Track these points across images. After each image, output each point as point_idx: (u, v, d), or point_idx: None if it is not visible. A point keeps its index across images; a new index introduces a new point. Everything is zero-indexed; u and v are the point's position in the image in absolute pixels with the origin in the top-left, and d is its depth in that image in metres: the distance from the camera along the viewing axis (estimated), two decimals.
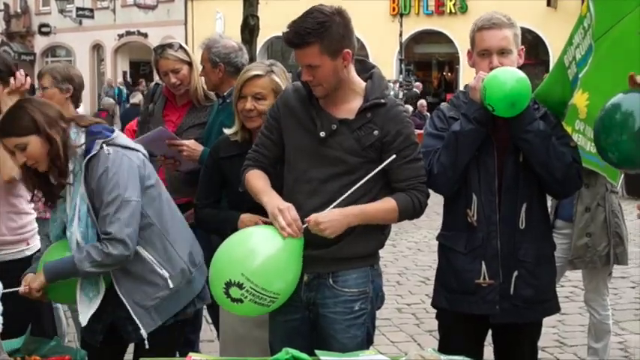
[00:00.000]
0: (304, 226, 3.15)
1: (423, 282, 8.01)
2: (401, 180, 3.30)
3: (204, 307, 4.49)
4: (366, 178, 3.20)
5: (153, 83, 5.46)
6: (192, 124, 4.84)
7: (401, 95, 25.28)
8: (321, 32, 3.13)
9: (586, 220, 5.14)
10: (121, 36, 36.86)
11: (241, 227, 3.54)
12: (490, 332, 3.72)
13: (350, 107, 3.30)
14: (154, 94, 5.11)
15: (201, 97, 4.89)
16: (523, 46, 3.63)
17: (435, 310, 3.79)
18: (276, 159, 3.46)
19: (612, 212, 5.16)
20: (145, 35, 35.34)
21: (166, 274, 3.47)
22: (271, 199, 3.26)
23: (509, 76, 3.32)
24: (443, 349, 3.39)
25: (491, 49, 3.50)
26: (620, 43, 3.31)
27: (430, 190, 3.42)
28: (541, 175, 3.46)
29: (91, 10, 36.82)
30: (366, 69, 3.42)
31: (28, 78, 4.34)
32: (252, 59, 5.84)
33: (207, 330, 5.63)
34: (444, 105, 3.80)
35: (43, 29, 38.42)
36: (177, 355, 3.84)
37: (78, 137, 3.43)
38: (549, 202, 3.87)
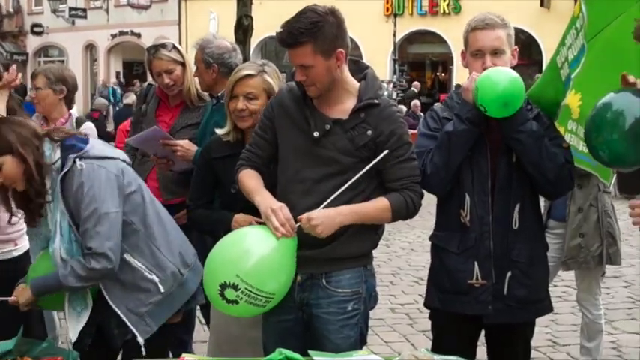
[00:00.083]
0: (297, 225, 3.15)
1: (416, 282, 8.02)
2: (394, 180, 3.30)
3: (198, 307, 4.50)
4: (359, 175, 3.20)
5: (146, 84, 5.45)
6: (185, 125, 4.83)
7: (395, 95, 25.30)
8: (314, 32, 3.14)
9: (579, 221, 5.16)
10: (114, 36, 36.80)
11: (235, 227, 3.54)
12: (483, 332, 3.72)
13: (344, 107, 3.30)
14: (147, 95, 5.10)
15: (195, 98, 4.88)
16: (516, 47, 3.63)
17: (429, 310, 3.80)
18: (270, 159, 3.45)
19: (605, 212, 5.17)
20: (139, 35, 35.29)
21: (156, 279, 3.47)
22: (264, 199, 3.26)
23: (501, 76, 3.32)
24: (436, 349, 3.39)
25: (484, 49, 3.51)
26: (613, 43, 3.33)
27: (423, 190, 3.42)
28: (533, 175, 3.47)
29: (84, 10, 36.73)
30: (360, 69, 3.43)
31: (20, 74, 4.34)
32: (245, 59, 5.83)
33: (200, 330, 5.62)
34: (437, 105, 3.81)
35: (36, 29, 38.32)
36: (171, 355, 3.85)
37: (53, 153, 3.40)
38: (542, 202, 3.88)
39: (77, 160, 3.36)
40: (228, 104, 3.73)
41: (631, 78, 2.96)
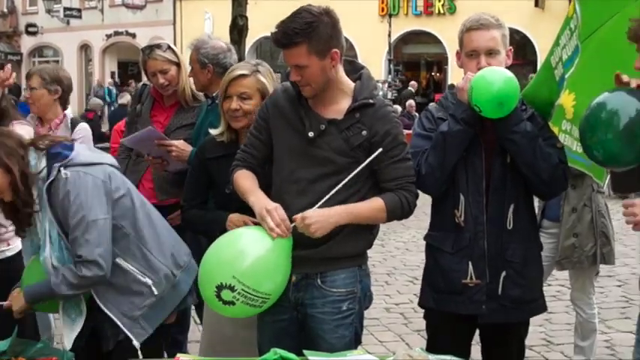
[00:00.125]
0: (292, 225, 3.15)
1: (411, 281, 8.02)
2: (389, 180, 3.30)
3: (193, 307, 4.50)
4: (353, 173, 3.20)
5: (140, 84, 5.45)
6: (180, 125, 4.83)
7: (390, 95, 25.32)
8: (309, 32, 3.14)
9: (573, 221, 5.17)
10: (109, 36, 36.77)
11: (229, 227, 3.54)
12: (478, 331, 3.73)
13: (339, 107, 3.30)
14: (142, 95, 5.10)
15: (189, 98, 4.88)
16: (511, 47, 3.64)
17: (423, 310, 3.80)
18: (265, 159, 3.45)
19: (599, 212, 5.19)
20: (134, 35, 35.26)
21: (149, 282, 3.46)
22: (258, 199, 3.26)
23: (496, 76, 3.32)
24: (431, 348, 3.40)
25: (479, 49, 3.52)
26: (607, 44, 3.35)
27: (418, 191, 3.43)
28: (527, 176, 3.48)
29: (79, 10, 36.70)
30: (355, 69, 3.43)
31: (14, 74, 4.33)
32: (240, 59, 5.84)
33: (195, 331, 5.62)
34: (432, 105, 3.81)
35: (30, 29, 38.28)
36: (166, 355, 3.85)
37: (38, 162, 3.39)
38: (536, 202, 3.90)
39: (62, 168, 3.34)
40: (222, 104, 3.73)
41: (625, 77, 2.97)
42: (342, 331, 3.34)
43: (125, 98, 17.96)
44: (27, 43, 39.18)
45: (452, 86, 3.61)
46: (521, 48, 27.36)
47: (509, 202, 3.51)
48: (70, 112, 5.14)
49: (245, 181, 3.39)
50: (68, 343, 3.46)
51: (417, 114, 18.63)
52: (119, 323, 3.43)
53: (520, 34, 27.23)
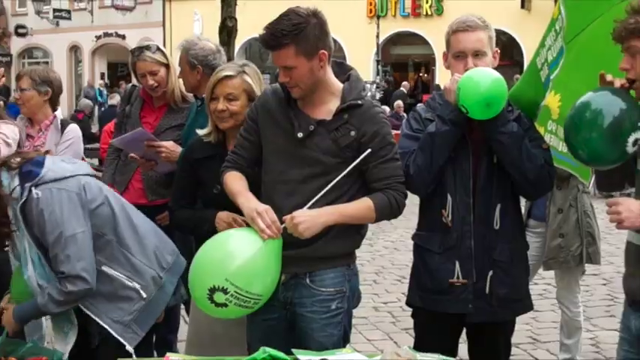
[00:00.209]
0: (282, 226, 3.15)
1: (399, 280, 8.01)
2: (378, 180, 3.31)
3: (182, 307, 4.51)
4: (343, 174, 3.21)
5: (130, 85, 5.45)
6: (169, 126, 4.84)
7: (378, 96, 25.32)
8: (297, 34, 3.15)
9: (559, 222, 5.21)
10: (98, 37, 36.65)
11: (218, 224, 3.55)
12: (465, 330, 3.74)
13: (327, 108, 3.32)
14: (131, 96, 5.10)
15: (179, 99, 4.89)
16: (498, 48, 3.66)
17: (411, 309, 3.82)
18: (256, 160, 3.46)
19: (584, 213, 5.23)
20: (123, 37, 35.16)
21: (137, 286, 3.48)
22: (248, 201, 3.26)
23: (484, 77, 3.34)
24: (418, 346, 3.39)
25: (466, 51, 3.53)
26: (592, 45, 3.37)
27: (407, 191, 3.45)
28: (513, 176, 3.50)
29: (69, 12, 36.55)
30: (343, 71, 3.44)
31: (4, 78, 4.34)
32: (230, 61, 5.86)
33: (184, 330, 5.60)
34: (420, 106, 3.83)
35: (20, 30, 38.11)
36: (155, 355, 3.86)
37: (11, 181, 3.38)
38: (523, 201, 3.93)
39: (33, 188, 3.32)
40: (209, 105, 3.73)
41: (609, 77, 2.99)
42: (330, 329, 3.35)
43: (115, 99, 17.93)
44: (16, 44, 38.99)
45: (438, 87, 3.63)
46: (508, 49, 27.40)
47: (496, 202, 3.53)
48: (60, 113, 5.14)
49: (234, 182, 3.40)
50: (64, 356, 3.46)
51: (405, 114, 18.65)
52: (110, 330, 3.44)
53: (506, 35, 27.27)
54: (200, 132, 3.86)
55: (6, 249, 3.58)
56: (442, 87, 3.64)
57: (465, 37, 3.54)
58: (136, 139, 4.61)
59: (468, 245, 3.52)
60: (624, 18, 2.91)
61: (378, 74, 30.09)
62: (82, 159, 5.14)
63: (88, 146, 7.70)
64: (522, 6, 28.06)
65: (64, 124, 4.99)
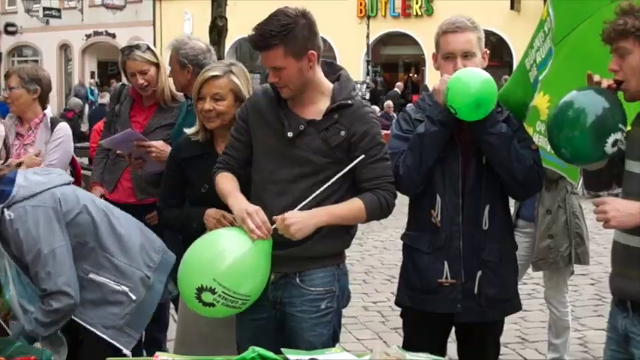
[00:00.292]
0: (273, 227, 3.15)
1: (388, 280, 8.03)
2: (367, 180, 3.32)
3: (172, 306, 4.51)
4: (335, 177, 3.21)
5: (119, 84, 5.45)
6: (159, 125, 4.84)
7: (368, 96, 25.35)
8: (285, 35, 3.16)
9: (548, 222, 5.23)
10: (88, 36, 36.54)
11: (207, 221, 3.56)
12: (454, 329, 3.75)
13: (317, 108, 3.32)
14: (120, 95, 5.10)
15: (168, 98, 4.89)
16: (487, 49, 3.67)
17: (400, 308, 3.83)
18: (247, 160, 3.46)
19: (573, 214, 5.26)
20: (113, 36, 35.07)
21: (126, 289, 3.48)
22: (238, 201, 3.27)
23: (472, 78, 3.34)
24: (407, 346, 3.40)
25: (455, 52, 3.54)
26: (580, 46, 3.38)
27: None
28: (502, 176, 3.51)
29: (59, 10, 36.41)
30: (333, 71, 3.45)
31: None
32: (220, 60, 5.86)
33: (174, 329, 5.61)
34: (409, 107, 3.83)
35: (10, 29, 37.94)
36: (145, 354, 3.86)
37: None
38: (512, 202, 3.94)
39: (5, 209, 3.31)
40: (196, 105, 3.74)
41: (596, 77, 3.01)
42: (320, 329, 3.35)
43: (106, 98, 17.90)
44: (6, 42, 38.82)
45: (426, 87, 3.64)
46: (497, 50, 27.46)
47: (485, 203, 3.54)
48: (50, 111, 5.13)
49: (225, 183, 3.41)
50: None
51: (395, 114, 18.69)
52: (105, 337, 3.43)
53: (496, 36, 27.32)
54: (188, 131, 3.87)
55: None
56: (431, 88, 3.66)
57: (454, 39, 3.55)
58: (125, 139, 4.61)
59: (457, 245, 3.53)
60: (613, 19, 2.92)
61: (368, 74, 30.11)
62: (73, 158, 5.14)
63: (77, 145, 7.68)
64: (512, 7, 28.10)
65: (53, 123, 4.99)
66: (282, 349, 2.97)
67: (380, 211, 3.35)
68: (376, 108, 17.52)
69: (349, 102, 3.31)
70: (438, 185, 3.54)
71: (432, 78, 23.35)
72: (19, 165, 3.97)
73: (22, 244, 3.29)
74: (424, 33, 26.65)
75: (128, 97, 5.03)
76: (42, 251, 3.28)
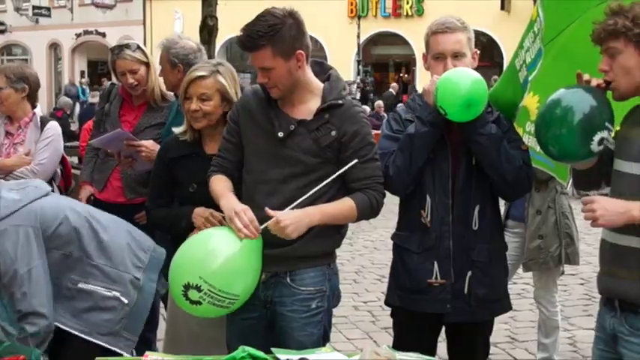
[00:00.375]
0: (262, 227, 3.14)
1: (379, 280, 8.05)
2: (358, 180, 3.32)
3: (162, 305, 4.51)
4: (328, 180, 3.22)
5: (109, 83, 5.45)
6: (149, 125, 4.83)
7: (358, 96, 25.39)
8: (273, 35, 3.16)
9: (537, 223, 5.24)
10: (78, 35, 36.49)
11: (195, 220, 3.56)
12: (444, 329, 3.75)
13: (308, 108, 3.32)
14: (110, 94, 5.09)
15: (158, 98, 4.88)
16: (477, 49, 3.68)
17: (390, 308, 3.83)
18: (240, 162, 3.46)
19: (563, 214, 5.27)
20: (103, 35, 35.04)
21: (117, 294, 3.46)
22: (228, 201, 3.27)
23: (462, 79, 3.34)
24: (397, 345, 3.41)
25: (445, 52, 3.55)
26: (569, 47, 3.39)
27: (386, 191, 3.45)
28: (492, 177, 3.51)
29: (48, 9, 36.38)
30: (323, 70, 3.45)
31: None
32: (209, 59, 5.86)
33: (163, 328, 5.60)
34: (400, 107, 3.84)
35: None
36: (134, 353, 3.85)
37: None
38: (501, 202, 3.95)
39: None
40: (183, 104, 3.74)
41: (586, 76, 3.02)
42: (310, 329, 3.35)
43: (97, 97, 17.88)
44: None
45: (414, 88, 3.64)
46: (488, 50, 27.55)
47: (475, 203, 3.54)
48: (40, 110, 5.12)
49: (218, 185, 3.41)
50: None
51: (385, 114, 18.72)
52: (103, 344, 3.41)
53: (486, 37, 27.43)
54: (176, 130, 3.87)
55: None
56: (421, 89, 3.66)
57: (444, 39, 3.56)
58: (115, 139, 4.60)
59: (447, 246, 3.53)
60: (603, 20, 2.94)
61: (359, 74, 30.15)
62: (63, 156, 5.13)
63: (67, 144, 7.67)
64: (502, 7, 28.21)
65: (43, 122, 4.99)
66: (273, 349, 2.97)
67: (370, 210, 3.35)
68: (367, 108, 17.55)
69: (340, 102, 3.31)
70: (428, 185, 3.55)
71: (423, 78, 23.38)
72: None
73: (0, 265, 3.26)
74: (415, 33, 26.70)
75: (118, 97, 5.02)
76: (18, 271, 3.25)
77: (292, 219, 3.14)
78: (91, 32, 35.92)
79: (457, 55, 3.55)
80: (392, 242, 3.79)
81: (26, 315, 3.25)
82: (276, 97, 3.33)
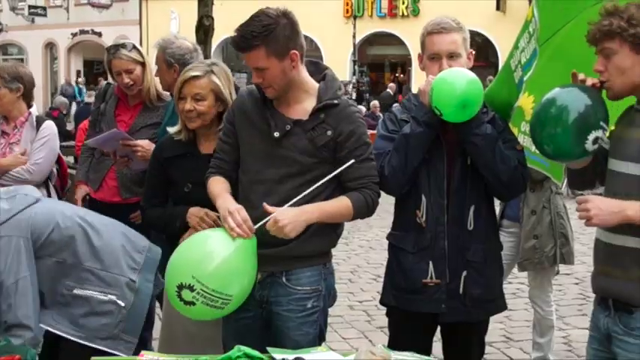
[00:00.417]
0: (257, 226, 3.14)
1: (374, 279, 8.05)
2: (353, 179, 3.33)
3: (157, 304, 4.51)
4: (324, 179, 3.22)
5: (104, 82, 5.44)
6: (144, 124, 4.84)
7: (354, 96, 25.41)
8: (266, 35, 3.16)
9: (533, 223, 5.25)
10: (74, 35, 36.44)
11: (190, 219, 3.57)
12: (439, 328, 3.76)
13: (303, 108, 3.33)
14: (106, 94, 5.10)
15: (154, 98, 4.89)
16: (472, 50, 3.68)
17: (386, 308, 3.84)
18: (238, 162, 3.46)
19: (557, 214, 5.28)
20: (99, 34, 35.01)
21: (113, 297, 3.45)
22: (224, 201, 3.26)
23: (457, 79, 3.34)
24: (393, 345, 3.43)
25: (440, 53, 3.55)
26: (564, 47, 3.40)
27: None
28: (487, 177, 3.52)
29: (44, 9, 36.33)
30: (319, 70, 3.46)
31: None
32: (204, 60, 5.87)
33: (159, 327, 5.60)
34: (395, 107, 3.85)
35: None
36: (130, 353, 3.85)
37: None
38: (497, 202, 3.96)
39: None
40: (177, 104, 3.75)
41: (581, 75, 3.03)
42: (306, 328, 3.36)
43: (93, 97, 17.86)
44: None
45: (408, 89, 3.64)
46: (483, 50, 27.58)
47: (470, 203, 3.55)
48: (35, 109, 5.12)
49: (215, 186, 3.41)
50: None
51: (381, 114, 18.73)
52: (105, 349, 3.40)
53: (481, 37, 27.44)
54: (171, 130, 3.87)
55: None
56: (416, 89, 3.66)
57: (439, 39, 3.56)
58: (111, 138, 4.60)
59: (442, 246, 3.54)
60: (598, 20, 2.95)
61: (354, 74, 30.16)
62: (59, 156, 5.13)
63: (63, 144, 7.67)
64: (497, 8, 28.23)
65: (39, 121, 4.98)
66: (268, 348, 2.97)
67: (366, 209, 3.36)
68: (362, 108, 17.56)
69: (335, 101, 3.32)
70: (423, 186, 3.55)
71: (418, 78, 23.39)
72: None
73: None
74: (410, 33, 26.71)
75: (113, 96, 5.03)
76: (5, 283, 3.23)
77: (290, 218, 3.14)
78: (87, 32, 35.89)
79: (452, 56, 3.55)
80: (387, 242, 3.79)
81: (11, 327, 3.23)
82: (272, 97, 3.33)
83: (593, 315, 3.19)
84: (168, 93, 4.85)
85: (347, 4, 31.23)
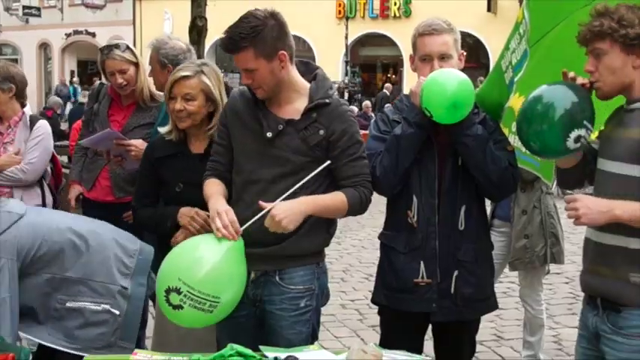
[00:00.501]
0: (244, 227, 3.13)
1: (366, 278, 8.05)
2: (347, 177, 3.34)
3: (151, 303, 4.52)
4: (312, 174, 3.22)
5: (98, 82, 5.45)
6: (137, 125, 4.84)
7: (347, 96, 25.41)
8: (254, 36, 3.18)
9: (523, 223, 5.26)
10: (68, 35, 36.37)
11: (181, 219, 3.58)
12: (430, 327, 3.77)
13: (295, 108, 3.34)
14: (99, 94, 5.10)
15: (147, 98, 4.89)
16: (463, 51, 3.70)
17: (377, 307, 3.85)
18: (232, 163, 3.47)
19: (548, 213, 5.30)
20: (93, 35, 34.96)
21: (106, 307, 3.44)
22: (215, 202, 3.27)
23: (448, 80, 3.35)
24: (384, 343, 3.45)
25: (432, 54, 3.56)
26: (555, 48, 3.41)
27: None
28: (477, 178, 3.53)
29: (38, 9, 36.25)
30: (310, 70, 3.47)
31: None
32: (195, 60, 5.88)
33: (152, 325, 5.61)
34: (387, 107, 3.86)
35: None
36: None
37: None
38: (487, 202, 3.98)
39: None
40: (168, 104, 3.76)
41: (571, 74, 3.03)
42: (299, 327, 3.37)
43: (87, 97, 17.82)
44: None
45: (398, 90, 3.64)
46: (474, 51, 27.62)
47: (461, 204, 3.56)
48: (29, 109, 5.12)
49: (210, 188, 3.42)
50: None
51: (373, 115, 18.75)
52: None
53: (472, 38, 27.48)
54: (161, 130, 3.88)
55: None
56: (407, 90, 3.67)
57: (430, 41, 3.58)
58: (104, 138, 4.62)
59: (433, 246, 3.55)
60: (589, 21, 2.97)
61: (346, 75, 30.16)
62: (53, 155, 5.14)
63: (57, 144, 7.67)
64: (488, 9, 28.27)
65: (33, 121, 4.97)
66: (261, 347, 2.98)
67: (360, 206, 3.37)
68: (354, 109, 17.56)
69: (327, 101, 3.33)
70: (415, 186, 3.57)
71: (410, 79, 23.37)
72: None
73: None
74: (402, 34, 26.73)
75: (107, 96, 5.03)
76: None
77: (285, 211, 3.13)
78: (80, 32, 35.83)
79: (444, 57, 3.56)
80: (379, 241, 3.81)
81: None
82: (262, 97, 3.34)
83: (581, 314, 3.21)
84: (161, 93, 4.84)
85: (339, 5, 31.24)
